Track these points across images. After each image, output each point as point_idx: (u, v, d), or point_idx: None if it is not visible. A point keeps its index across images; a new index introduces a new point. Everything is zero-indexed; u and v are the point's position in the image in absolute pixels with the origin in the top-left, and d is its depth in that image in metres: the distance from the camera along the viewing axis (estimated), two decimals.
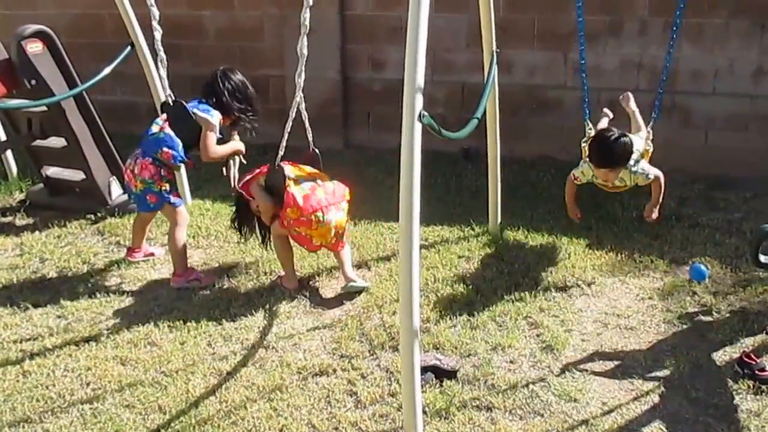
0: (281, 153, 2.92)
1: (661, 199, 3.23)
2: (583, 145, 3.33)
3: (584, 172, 3.20)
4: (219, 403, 2.33)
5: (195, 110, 3.11)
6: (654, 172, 3.17)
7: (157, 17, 3.06)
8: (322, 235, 2.95)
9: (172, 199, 3.18)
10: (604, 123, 3.59)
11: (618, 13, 4.36)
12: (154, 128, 3.17)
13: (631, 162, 3.07)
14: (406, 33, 1.80)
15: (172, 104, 3.04)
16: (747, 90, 4.21)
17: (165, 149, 3.12)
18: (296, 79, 2.73)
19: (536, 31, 4.56)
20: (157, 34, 3.07)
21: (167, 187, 3.16)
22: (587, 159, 3.17)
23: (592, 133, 3.28)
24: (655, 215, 3.26)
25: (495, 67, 3.10)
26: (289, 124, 2.85)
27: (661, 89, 3.28)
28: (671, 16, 4.18)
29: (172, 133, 3.13)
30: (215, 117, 3.11)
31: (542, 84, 4.64)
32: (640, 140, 3.28)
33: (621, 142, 2.98)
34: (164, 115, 3.15)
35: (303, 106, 2.92)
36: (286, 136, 2.87)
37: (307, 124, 3.03)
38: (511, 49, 4.35)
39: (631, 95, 3.59)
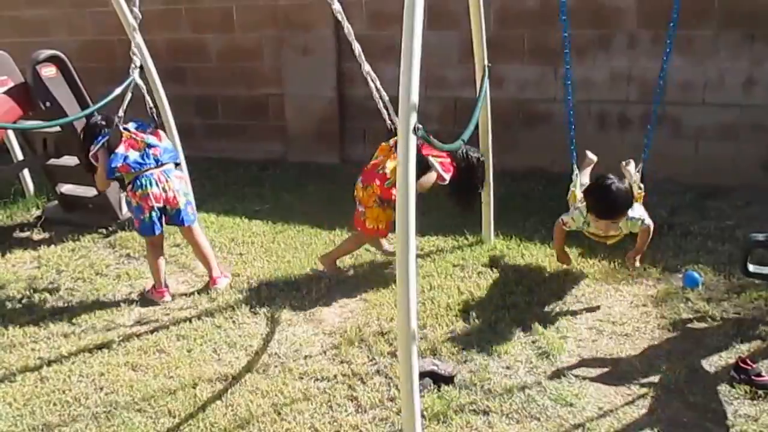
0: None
1: (645, 248, 3.06)
2: (572, 189, 3.18)
3: (575, 218, 3.06)
4: (225, 407, 2.40)
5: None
6: (648, 219, 3.00)
7: (141, 44, 3.20)
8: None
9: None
10: (586, 175, 3.38)
11: (607, 27, 4.45)
12: (161, 141, 3.21)
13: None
14: (400, 51, 1.86)
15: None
16: (737, 100, 4.27)
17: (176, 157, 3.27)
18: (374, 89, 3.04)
19: (526, 47, 4.67)
20: (137, 60, 3.20)
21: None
22: (578, 206, 3.04)
23: (579, 178, 3.18)
24: (637, 263, 3.11)
25: (487, 82, 3.20)
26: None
27: (652, 126, 3.07)
28: (660, 29, 4.30)
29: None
30: None
31: (533, 98, 4.74)
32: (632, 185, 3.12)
33: (622, 191, 2.83)
34: (151, 128, 3.24)
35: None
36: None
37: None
38: (502, 64, 4.46)
39: (632, 162, 3.27)
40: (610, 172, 2.93)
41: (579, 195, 3.10)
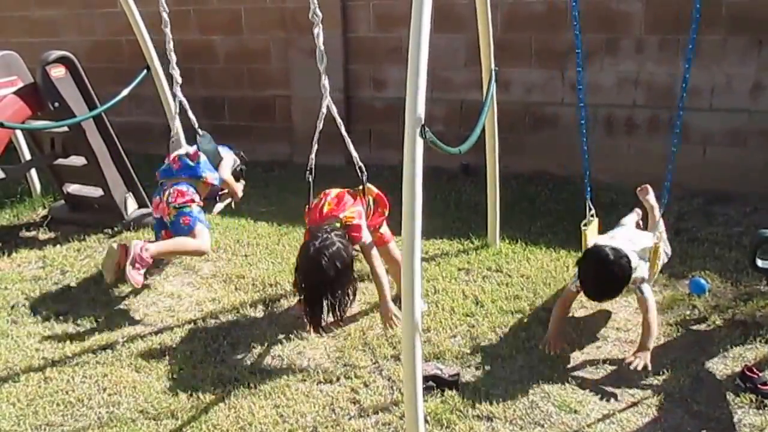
0: None
1: (651, 340, 2.52)
2: (583, 229, 2.85)
3: None
4: (228, 409, 2.41)
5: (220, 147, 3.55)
6: (648, 289, 2.59)
7: (171, 43, 3.25)
8: None
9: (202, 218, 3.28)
10: (631, 220, 3.06)
11: (614, 31, 4.45)
12: (193, 160, 3.36)
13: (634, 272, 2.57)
14: (407, 53, 1.87)
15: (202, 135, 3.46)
16: (745, 105, 4.25)
17: (208, 174, 3.37)
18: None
19: (533, 50, 4.67)
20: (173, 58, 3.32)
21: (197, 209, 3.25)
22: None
23: (594, 219, 2.85)
24: (639, 363, 2.44)
25: (494, 85, 3.20)
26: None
27: (669, 180, 2.75)
28: (667, 33, 4.30)
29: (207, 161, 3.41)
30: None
31: (539, 101, 4.74)
32: (648, 237, 2.78)
33: (617, 273, 2.51)
34: (194, 147, 3.43)
35: None
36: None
37: None
38: (508, 67, 4.45)
39: (650, 188, 3.04)
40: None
41: (591, 240, 2.77)
